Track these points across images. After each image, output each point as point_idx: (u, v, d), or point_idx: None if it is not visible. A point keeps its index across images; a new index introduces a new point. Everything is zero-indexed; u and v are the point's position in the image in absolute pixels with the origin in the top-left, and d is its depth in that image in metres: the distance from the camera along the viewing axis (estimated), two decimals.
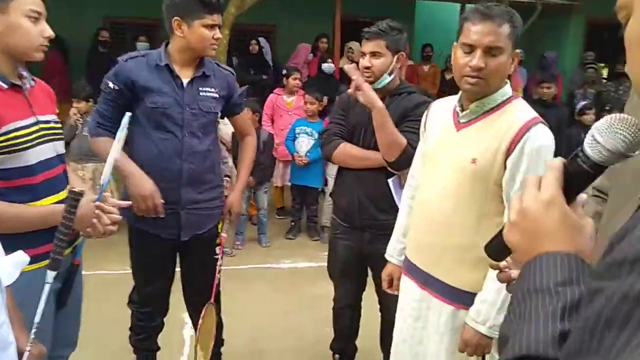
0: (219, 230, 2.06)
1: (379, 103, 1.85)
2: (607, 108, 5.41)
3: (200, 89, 1.88)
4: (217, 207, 2.02)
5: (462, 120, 1.43)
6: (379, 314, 2.28)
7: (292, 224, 4.43)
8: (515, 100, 1.37)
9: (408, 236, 1.59)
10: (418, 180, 1.58)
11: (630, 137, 0.54)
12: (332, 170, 3.83)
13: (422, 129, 1.62)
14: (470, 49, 1.31)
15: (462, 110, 1.43)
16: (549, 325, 0.48)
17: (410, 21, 7.38)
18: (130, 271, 2.06)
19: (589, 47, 7.30)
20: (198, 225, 1.95)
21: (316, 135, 4.05)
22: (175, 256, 2.03)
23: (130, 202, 1.64)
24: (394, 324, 2.17)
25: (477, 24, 1.30)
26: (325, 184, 4.37)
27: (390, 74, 1.96)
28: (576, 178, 0.59)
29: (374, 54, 1.92)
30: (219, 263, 2.05)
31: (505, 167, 1.31)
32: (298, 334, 2.80)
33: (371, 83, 1.91)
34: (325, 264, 3.73)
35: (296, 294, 3.32)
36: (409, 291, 1.54)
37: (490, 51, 1.29)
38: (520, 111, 1.33)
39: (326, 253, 3.91)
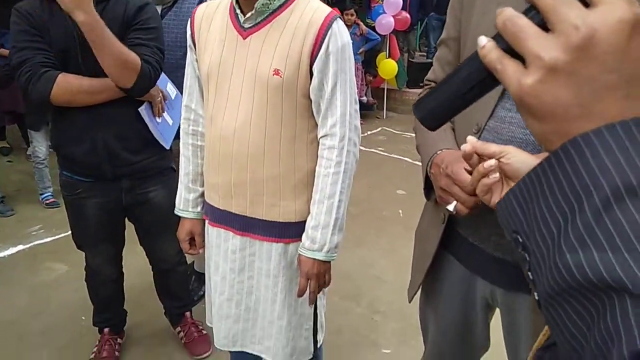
0: None
1: (90, 10, 1.33)
2: None
3: None
4: None
5: (246, 25, 1.15)
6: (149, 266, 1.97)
7: None
8: None
9: (209, 181, 1.28)
10: (206, 110, 1.24)
11: None
12: None
13: (189, 43, 1.26)
14: None
15: (244, 13, 1.15)
16: None
17: None
18: None
19: None
20: None
21: None
22: None
23: None
24: (167, 270, 1.96)
25: None
26: None
27: None
28: None
29: None
30: None
31: (311, 74, 1.15)
32: (39, 344, 2.11)
33: None
34: (38, 242, 2.95)
35: (15, 293, 2.46)
36: (223, 243, 1.28)
37: None
38: (314, 6, 1.15)
39: (33, 229, 3.09)
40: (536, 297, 0.34)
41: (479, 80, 0.39)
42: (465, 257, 1.05)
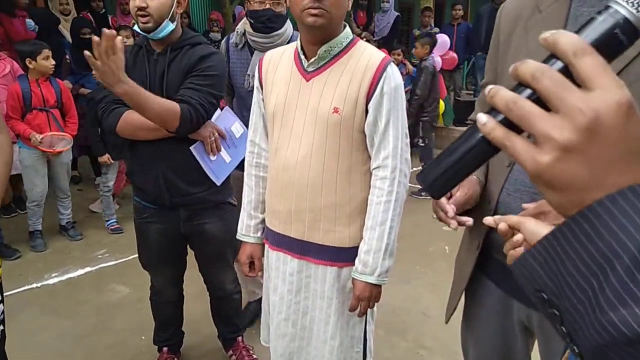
0: None
1: (125, 81, 1.46)
2: None
3: None
4: None
5: (309, 69, 1.30)
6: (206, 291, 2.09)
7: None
8: (359, 42, 1.33)
9: (271, 208, 1.41)
10: (270, 144, 1.39)
11: None
12: None
13: (256, 85, 1.42)
14: None
15: (307, 59, 1.30)
16: None
17: None
18: None
19: None
20: None
21: None
22: None
23: None
24: (222, 297, 2.06)
25: None
26: None
27: (172, 21, 1.64)
28: (610, 55, 0.38)
29: None
30: None
31: (366, 112, 1.27)
32: (105, 357, 2.26)
33: (149, 31, 1.59)
34: (103, 265, 3.18)
35: (83, 311, 2.67)
36: (282, 265, 1.39)
37: None
38: (370, 51, 1.30)
39: (99, 253, 3.35)
40: (576, 350, 0.37)
41: (482, 151, 0.42)
42: (501, 279, 1.10)
